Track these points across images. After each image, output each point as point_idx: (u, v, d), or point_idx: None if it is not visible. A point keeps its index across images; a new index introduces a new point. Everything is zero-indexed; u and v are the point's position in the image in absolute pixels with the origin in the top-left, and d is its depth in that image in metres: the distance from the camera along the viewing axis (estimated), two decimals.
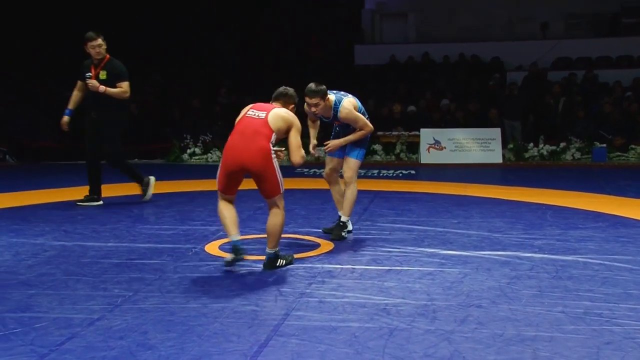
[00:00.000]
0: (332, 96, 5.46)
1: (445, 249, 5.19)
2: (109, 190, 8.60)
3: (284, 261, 4.72)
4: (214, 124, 13.77)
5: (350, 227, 5.81)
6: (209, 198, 7.88)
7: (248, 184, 5.32)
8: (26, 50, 16.64)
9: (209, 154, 13.01)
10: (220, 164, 4.63)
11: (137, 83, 16.02)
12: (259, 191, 4.66)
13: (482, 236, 5.67)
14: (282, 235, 5.72)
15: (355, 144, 5.62)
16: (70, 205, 7.40)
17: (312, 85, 5.31)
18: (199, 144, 13.13)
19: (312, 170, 11.00)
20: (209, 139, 13.14)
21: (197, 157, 13.08)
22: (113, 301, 3.92)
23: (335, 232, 5.64)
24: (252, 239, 5.62)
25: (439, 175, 10.52)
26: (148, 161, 13.52)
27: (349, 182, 5.62)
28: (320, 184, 9.19)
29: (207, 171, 11.03)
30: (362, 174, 10.33)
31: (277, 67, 17.73)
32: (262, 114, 4.60)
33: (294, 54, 18.55)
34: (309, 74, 16.92)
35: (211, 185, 8.89)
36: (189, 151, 13.11)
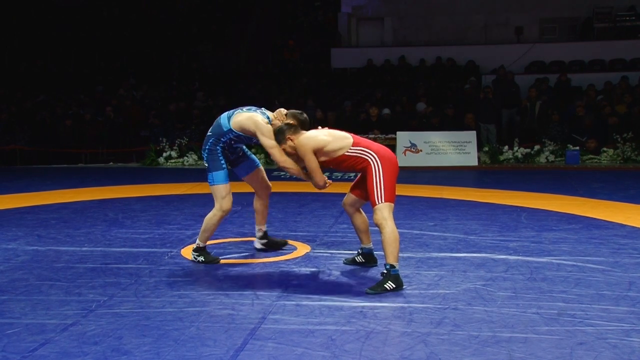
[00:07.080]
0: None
1: (421, 252, 5.22)
2: (84, 194, 8.51)
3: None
4: (190, 128, 13.70)
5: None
6: (185, 202, 7.83)
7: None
8: None
9: (185, 158, 12.94)
10: (382, 175, 4.31)
11: (113, 87, 16.05)
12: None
13: (458, 238, 5.71)
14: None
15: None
16: (44, 209, 7.31)
17: None
18: (175, 148, 13.06)
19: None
20: (185, 143, 13.07)
21: (173, 161, 12.99)
22: (87, 306, 3.87)
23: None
24: (228, 242, 5.60)
25: (415, 178, 10.57)
26: (124, 164, 13.42)
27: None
28: (296, 187, 9.19)
29: (183, 175, 10.97)
30: (339, 176, 10.35)
31: (254, 71, 17.72)
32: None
33: (271, 58, 18.55)
34: (286, 77, 17.01)
35: (187, 188, 8.88)
36: (165, 154, 13.03)
